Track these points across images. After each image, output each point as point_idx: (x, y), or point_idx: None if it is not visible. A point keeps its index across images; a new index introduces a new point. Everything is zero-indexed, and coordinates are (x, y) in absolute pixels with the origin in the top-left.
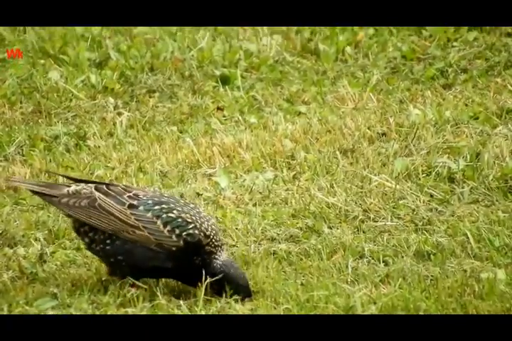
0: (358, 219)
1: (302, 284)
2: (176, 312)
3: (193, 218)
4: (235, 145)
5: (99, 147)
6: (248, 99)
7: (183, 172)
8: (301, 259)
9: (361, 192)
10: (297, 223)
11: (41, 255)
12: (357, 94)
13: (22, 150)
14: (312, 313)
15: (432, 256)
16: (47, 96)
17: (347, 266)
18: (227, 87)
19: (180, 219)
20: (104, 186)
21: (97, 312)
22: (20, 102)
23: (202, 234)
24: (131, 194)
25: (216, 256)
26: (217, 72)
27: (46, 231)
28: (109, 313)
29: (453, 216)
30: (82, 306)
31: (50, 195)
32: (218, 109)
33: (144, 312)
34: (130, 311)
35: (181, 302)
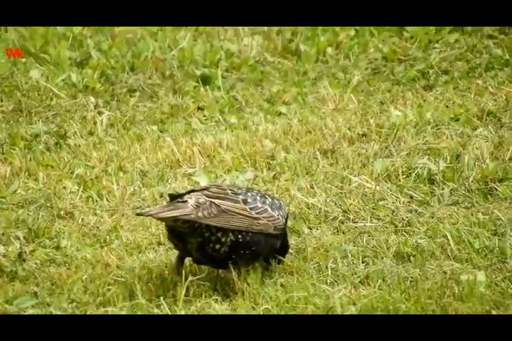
0: (337, 220)
1: (282, 285)
2: (156, 311)
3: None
4: (215, 145)
5: (79, 146)
6: (229, 99)
7: (163, 171)
8: (281, 260)
9: (341, 192)
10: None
11: (21, 253)
12: (337, 95)
13: (2, 148)
14: (291, 313)
15: (411, 258)
16: (28, 95)
17: (326, 267)
18: (207, 86)
19: (275, 201)
20: (205, 191)
21: (77, 312)
22: (1, 100)
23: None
24: (229, 192)
25: None
26: (198, 72)
27: (26, 230)
28: (88, 313)
29: (433, 217)
30: (61, 305)
31: (187, 214)
32: (199, 108)
33: (124, 312)
34: (110, 310)
35: (162, 301)
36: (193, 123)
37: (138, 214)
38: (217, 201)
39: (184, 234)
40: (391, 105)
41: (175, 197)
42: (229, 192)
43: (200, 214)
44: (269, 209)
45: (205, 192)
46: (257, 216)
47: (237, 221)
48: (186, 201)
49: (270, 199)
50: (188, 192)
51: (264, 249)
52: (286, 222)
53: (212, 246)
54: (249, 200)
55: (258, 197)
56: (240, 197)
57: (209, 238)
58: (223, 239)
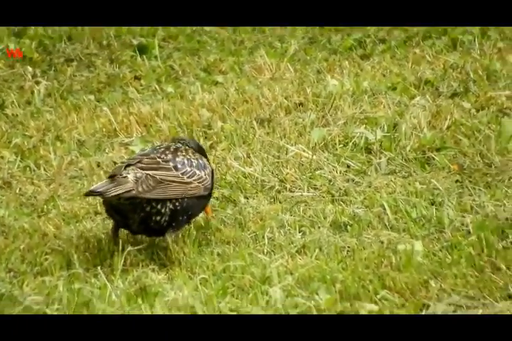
0: (274, 189)
1: (218, 254)
2: (93, 281)
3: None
4: (151, 114)
5: (17, 115)
6: (165, 69)
7: (100, 141)
8: (218, 229)
9: (278, 162)
10: (214, 193)
11: None
12: (274, 64)
13: None
14: (228, 283)
15: (348, 227)
16: None
17: (263, 237)
18: (144, 56)
19: (200, 161)
20: (139, 164)
21: (14, 281)
22: None
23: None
24: (160, 160)
25: None
26: (135, 42)
27: None
28: (26, 282)
29: (370, 187)
30: None
31: (128, 190)
32: (135, 78)
33: (61, 281)
34: (47, 280)
35: (99, 270)
36: (129, 93)
37: (86, 195)
38: (151, 172)
39: (125, 211)
40: (328, 74)
41: (113, 176)
42: (160, 161)
43: (140, 188)
44: (197, 171)
45: (139, 165)
46: (189, 180)
47: (173, 189)
48: (126, 176)
49: (195, 161)
50: (125, 168)
51: (198, 210)
52: (212, 179)
53: (154, 219)
54: (179, 166)
55: (186, 161)
56: (171, 164)
57: (150, 212)
58: (163, 210)
